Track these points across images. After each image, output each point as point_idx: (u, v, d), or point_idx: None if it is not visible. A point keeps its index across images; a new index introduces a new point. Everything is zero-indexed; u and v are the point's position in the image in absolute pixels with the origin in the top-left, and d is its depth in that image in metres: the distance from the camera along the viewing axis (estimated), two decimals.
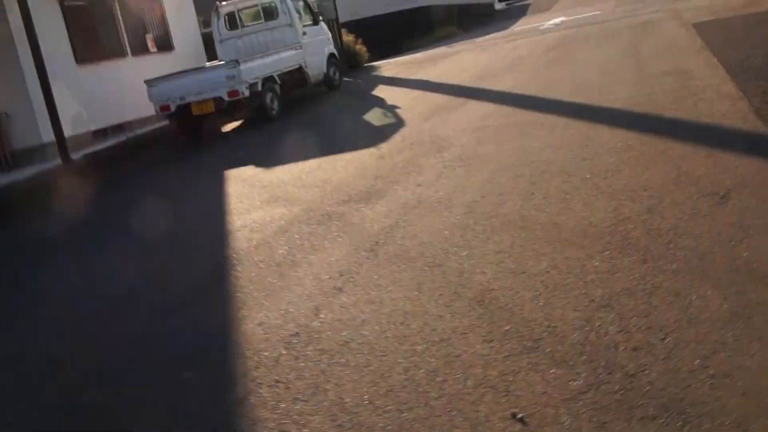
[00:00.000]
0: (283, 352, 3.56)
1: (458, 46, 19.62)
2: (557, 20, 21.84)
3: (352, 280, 4.27)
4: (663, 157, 5.21)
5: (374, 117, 10.52)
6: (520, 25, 24.09)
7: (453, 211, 5.03)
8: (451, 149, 6.89)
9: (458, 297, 3.69)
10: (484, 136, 7.10)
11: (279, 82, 12.81)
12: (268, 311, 4.11)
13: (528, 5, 35.62)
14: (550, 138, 6.44)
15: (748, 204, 4.04)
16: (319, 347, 3.52)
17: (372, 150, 7.74)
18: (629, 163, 5.22)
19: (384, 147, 7.77)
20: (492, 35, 21.50)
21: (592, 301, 3.31)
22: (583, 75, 9.76)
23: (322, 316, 3.88)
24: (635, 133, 6.01)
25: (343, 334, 3.60)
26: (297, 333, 3.73)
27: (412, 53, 20.60)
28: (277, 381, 3.29)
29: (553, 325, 3.18)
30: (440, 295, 3.77)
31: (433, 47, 21.42)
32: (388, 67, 17.73)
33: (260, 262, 5.01)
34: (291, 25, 13.98)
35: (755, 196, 4.12)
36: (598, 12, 21.63)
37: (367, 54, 20.05)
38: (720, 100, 6.47)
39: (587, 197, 4.70)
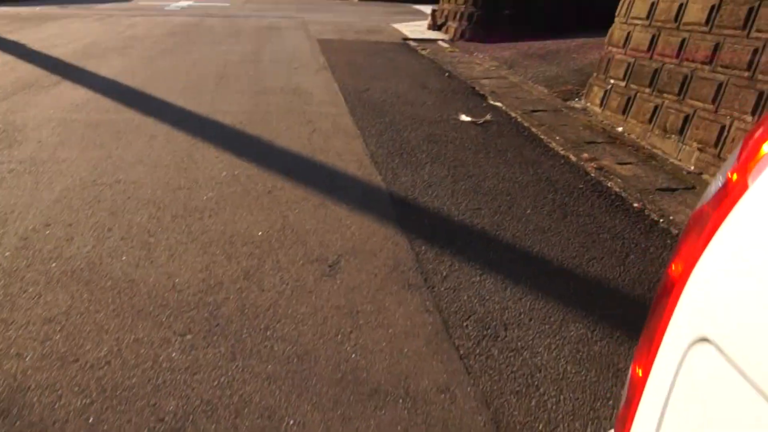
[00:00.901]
0: None
1: (72, 10, 17.64)
2: (184, 3, 20.82)
3: None
4: (270, 199, 4.58)
5: None
6: (146, 0, 22.52)
7: (2, 243, 3.84)
8: (24, 145, 5.57)
9: None
10: (69, 135, 5.88)
11: None
12: None
13: None
14: (147, 150, 5.48)
15: (358, 280, 3.53)
16: None
17: None
18: (231, 202, 4.49)
19: None
20: (113, 5, 19.79)
21: (162, 420, 2.48)
22: (199, 73, 8.92)
23: None
24: (243, 160, 5.32)
25: None
26: None
27: (18, 5, 18.01)
28: None
29: None
30: None
31: (45, 5, 19.00)
32: None
33: None
34: None
35: (365, 270, 3.64)
36: (227, 4, 21.06)
37: None
38: (336, 135, 6.09)
39: (176, 244, 3.86)
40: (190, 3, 20.89)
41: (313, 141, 5.90)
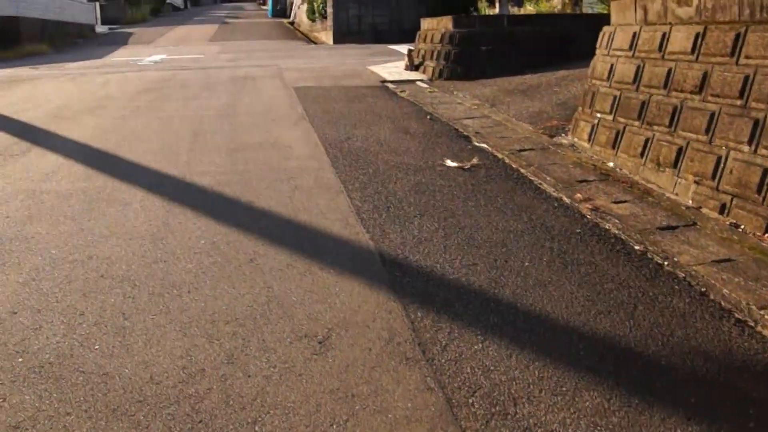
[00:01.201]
0: None
1: (44, 70, 17.45)
2: (158, 57, 20.69)
3: None
4: (252, 268, 4.31)
5: None
6: (118, 56, 22.42)
7: None
8: None
9: None
10: (39, 207, 5.59)
11: None
12: None
13: (130, 34, 33.84)
14: (121, 220, 5.21)
15: (351, 357, 3.26)
16: None
17: None
18: (211, 274, 4.22)
19: None
20: (86, 62, 19.63)
21: None
22: (174, 132, 8.68)
23: None
24: (223, 225, 5.06)
25: None
26: None
27: None
28: None
29: None
30: None
31: (16, 66, 18.81)
32: None
33: None
34: None
35: (358, 344, 3.37)
36: (201, 55, 20.98)
37: None
38: (319, 191, 5.85)
39: (153, 327, 3.58)
40: (164, 56, 20.77)
41: (294, 200, 5.65)
